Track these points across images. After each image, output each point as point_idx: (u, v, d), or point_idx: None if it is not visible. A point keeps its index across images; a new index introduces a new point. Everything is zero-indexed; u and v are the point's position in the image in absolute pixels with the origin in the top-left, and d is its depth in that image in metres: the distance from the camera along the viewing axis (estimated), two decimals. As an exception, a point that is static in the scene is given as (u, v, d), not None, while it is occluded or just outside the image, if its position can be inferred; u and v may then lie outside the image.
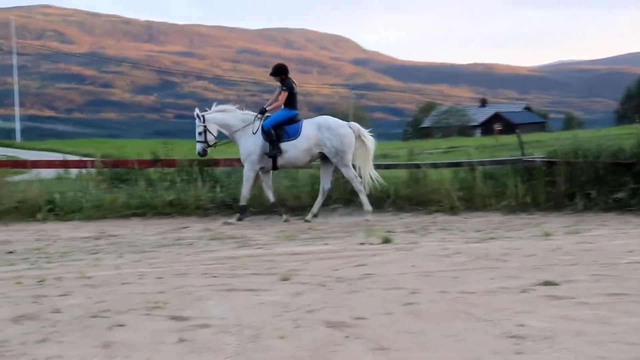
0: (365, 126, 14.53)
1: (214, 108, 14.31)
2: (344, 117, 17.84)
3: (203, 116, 14.07)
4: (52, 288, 7.84)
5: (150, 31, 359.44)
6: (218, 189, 15.18)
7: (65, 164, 19.30)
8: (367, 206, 13.90)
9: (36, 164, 19.69)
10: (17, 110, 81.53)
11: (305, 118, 14.30)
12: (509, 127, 78.09)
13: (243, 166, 14.24)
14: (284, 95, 13.96)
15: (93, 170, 16.55)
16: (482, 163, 15.80)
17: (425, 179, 15.15)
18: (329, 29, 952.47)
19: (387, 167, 16.45)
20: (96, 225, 13.59)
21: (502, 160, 16.18)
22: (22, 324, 6.29)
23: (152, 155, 16.22)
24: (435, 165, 15.82)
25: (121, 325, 6.18)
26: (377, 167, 14.82)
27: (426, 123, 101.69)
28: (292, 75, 14.29)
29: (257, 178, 14.95)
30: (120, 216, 14.60)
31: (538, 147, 20.65)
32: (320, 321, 6.21)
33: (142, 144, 53.05)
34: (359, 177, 14.01)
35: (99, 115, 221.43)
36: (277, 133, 13.86)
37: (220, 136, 14.49)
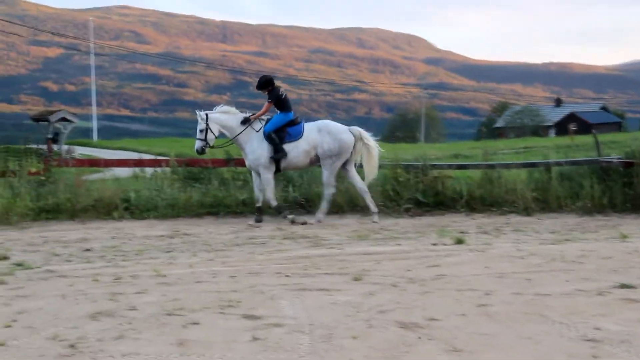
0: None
1: (217, 109, 14.38)
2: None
3: (207, 115, 14.18)
4: (128, 285, 7.97)
5: (225, 31, 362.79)
6: (290, 189, 15.25)
7: (139, 163, 19.58)
8: (321, 214, 13.85)
9: (109, 163, 20.04)
10: (94, 110, 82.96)
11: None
12: (585, 127, 76.67)
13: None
14: (267, 106, 14.18)
15: (167, 169, 16.74)
16: (557, 163, 15.57)
17: (499, 179, 15.01)
18: (402, 28, 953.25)
19: (460, 167, 16.33)
20: (170, 224, 13.74)
21: (578, 161, 15.92)
22: (100, 321, 6.41)
23: (225, 155, 16.31)
24: (509, 166, 15.66)
25: (196, 323, 6.26)
26: (448, 167, 14.64)
27: (500, 123, 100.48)
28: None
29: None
30: (194, 215, 14.75)
31: (615, 147, 20.35)
32: (393, 322, 6.21)
33: (215, 143, 53.46)
34: (334, 189, 14.04)
35: (173, 114, 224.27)
36: (279, 136, 13.97)
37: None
